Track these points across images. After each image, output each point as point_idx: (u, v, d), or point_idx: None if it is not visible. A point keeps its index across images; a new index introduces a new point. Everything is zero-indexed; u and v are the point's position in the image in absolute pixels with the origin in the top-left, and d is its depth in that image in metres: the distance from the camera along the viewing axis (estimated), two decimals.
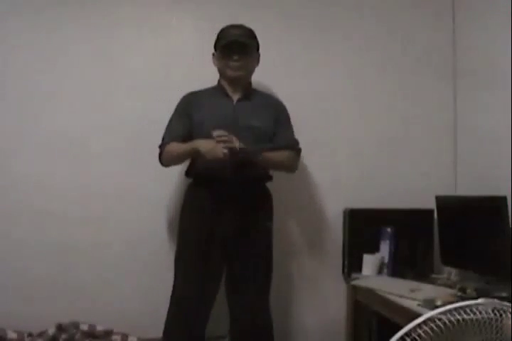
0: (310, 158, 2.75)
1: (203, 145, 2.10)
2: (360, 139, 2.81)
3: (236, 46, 2.23)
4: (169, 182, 2.58)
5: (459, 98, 2.84)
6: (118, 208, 2.62)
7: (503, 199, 2.11)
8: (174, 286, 2.26)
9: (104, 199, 2.61)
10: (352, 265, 2.63)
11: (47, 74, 2.62)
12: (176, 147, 2.24)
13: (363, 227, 2.65)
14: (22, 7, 2.60)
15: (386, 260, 2.57)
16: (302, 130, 2.74)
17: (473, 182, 2.67)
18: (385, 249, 2.58)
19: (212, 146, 2.05)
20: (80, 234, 2.59)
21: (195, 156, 2.21)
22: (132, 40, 2.68)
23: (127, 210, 2.62)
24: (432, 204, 2.60)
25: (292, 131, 2.41)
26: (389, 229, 2.58)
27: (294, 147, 2.38)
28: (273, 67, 2.74)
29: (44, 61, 2.62)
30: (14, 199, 2.57)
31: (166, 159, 2.29)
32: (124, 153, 2.60)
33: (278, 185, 2.70)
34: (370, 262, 2.56)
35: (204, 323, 2.25)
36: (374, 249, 2.60)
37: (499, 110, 2.43)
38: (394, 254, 2.57)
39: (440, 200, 2.56)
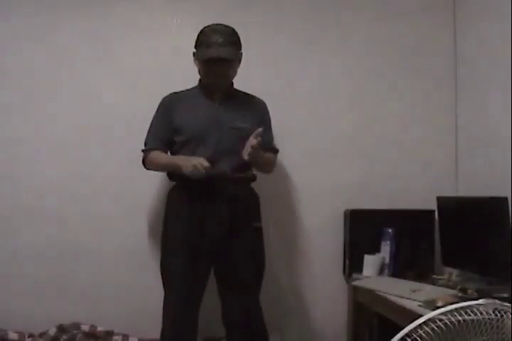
0: (311, 158, 2.76)
1: (183, 163, 2.11)
2: (361, 140, 2.81)
3: (218, 59, 2.15)
4: (170, 183, 2.58)
5: (460, 98, 2.84)
6: (118, 209, 2.62)
7: (504, 200, 2.11)
8: (165, 296, 2.24)
9: (104, 200, 2.62)
10: (353, 265, 2.63)
11: (47, 74, 2.63)
12: (158, 158, 2.27)
13: (364, 228, 2.65)
14: (22, 6, 2.61)
15: (387, 260, 2.57)
16: (302, 131, 2.76)
17: (474, 183, 2.67)
18: (385, 249, 2.58)
19: (191, 164, 2.05)
20: (80, 234, 2.59)
21: (175, 171, 2.21)
22: (132, 40, 2.68)
23: (128, 211, 2.63)
24: (432, 205, 2.60)
25: (272, 133, 2.41)
26: (390, 230, 2.58)
27: (275, 150, 2.42)
28: (273, 67, 2.75)
29: (44, 61, 2.63)
30: (14, 200, 2.58)
31: (149, 166, 2.32)
32: (125, 153, 2.60)
33: (278, 185, 2.71)
34: (370, 263, 2.56)
35: (197, 325, 2.25)
36: (375, 249, 2.60)
37: (499, 110, 2.43)
38: (395, 255, 2.57)
39: (441, 201, 2.56)
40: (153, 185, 2.61)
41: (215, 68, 2.19)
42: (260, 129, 2.09)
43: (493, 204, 2.16)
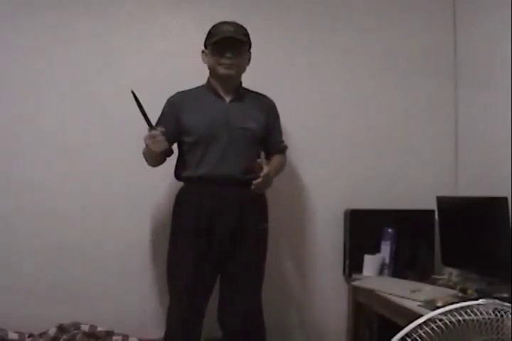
0: (311, 158, 2.75)
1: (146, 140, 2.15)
2: (361, 140, 2.81)
3: (229, 43, 2.16)
4: (171, 182, 2.58)
5: (460, 98, 2.84)
6: (118, 209, 2.62)
7: (504, 199, 2.11)
8: (170, 304, 2.24)
9: (104, 200, 2.62)
10: (353, 265, 2.63)
11: (46, 74, 2.62)
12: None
13: (364, 228, 2.65)
14: (21, 6, 2.61)
15: (387, 260, 2.57)
16: (302, 130, 2.76)
17: (474, 183, 2.67)
18: (385, 249, 2.58)
19: (153, 140, 2.11)
20: (80, 235, 2.59)
21: (151, 153, 2.19)
22: (133, 40, 2.68)
23: (127, 211, 2.63)
24: (432, 205, 2.60)
25: (281, 131, 2.43)
26: (390, 230, 2.58)
27: (284, 150, 2.44)
28: (273, 67, 2.75)
29: (43, 61, 2.62)
30: (14, 200, 2.57)
31: (146, 161, 2.30)
32: (124, 153, 2.60)
33: (278, 185, 2.71)
34: (370, 263, 2.56)
35: (201, 331, 2.25)
36: (375, 249, 2.60)
37: (499, 110, 2.43)
38: (395, 255, 2.57)
39: (441, 201, 2.56)
40: (154, 185, 2.61)
41: (227, 51, 2.17)
42: (259, 160, 2.14)
43: (493, 204, 2.16)
